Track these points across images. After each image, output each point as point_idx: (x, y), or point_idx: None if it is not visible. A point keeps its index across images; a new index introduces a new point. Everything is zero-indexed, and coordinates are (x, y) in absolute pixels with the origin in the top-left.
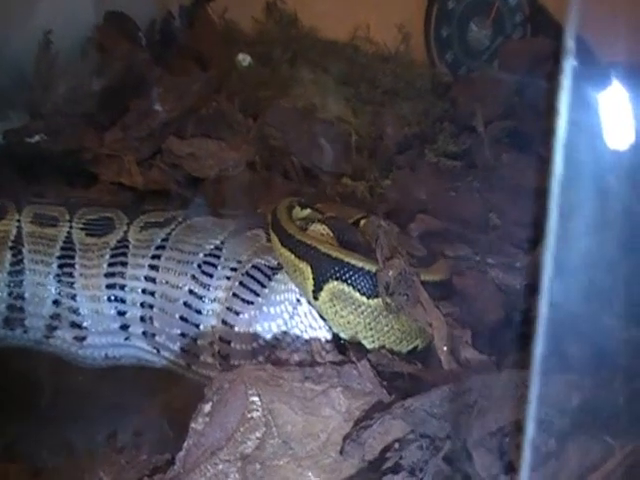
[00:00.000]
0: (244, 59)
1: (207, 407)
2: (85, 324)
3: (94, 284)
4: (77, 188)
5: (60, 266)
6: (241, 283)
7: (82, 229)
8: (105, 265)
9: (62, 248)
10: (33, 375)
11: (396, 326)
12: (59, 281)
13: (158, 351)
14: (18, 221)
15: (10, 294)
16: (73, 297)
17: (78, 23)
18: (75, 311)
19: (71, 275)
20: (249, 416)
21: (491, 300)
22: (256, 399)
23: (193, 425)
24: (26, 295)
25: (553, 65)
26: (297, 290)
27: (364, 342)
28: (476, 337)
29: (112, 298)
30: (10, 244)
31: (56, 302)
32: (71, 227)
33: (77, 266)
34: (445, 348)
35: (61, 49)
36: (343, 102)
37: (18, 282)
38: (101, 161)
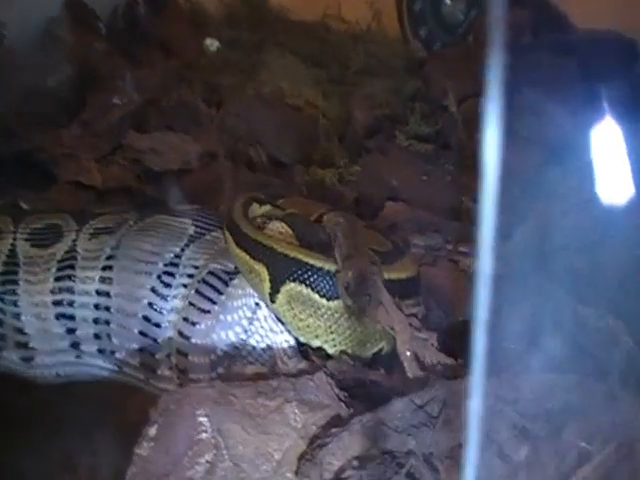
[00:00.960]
0: (212, 44)
1: (152, 430)
2: (32, 344)
3: (40, 301)
4: (34, 190)
5: (2, 283)
6: (197, 291)
7: (27, 240)
8: (52, 279)
9: (4, 263)
10: None
11: (359, 329)
12: (2, 299)
13: (119, 368)
14: None
15: None
16: (17, 316)
17: (35, 15)
18: (20, 331)
19: (14, 292)
20: (197, 438)
21: (462, 292)
22: (204, 420)
23: (138, 451)
24: None
25: (531, 38)
26: (256, 294)
27: (325, 346)
28: (445, 336)
29: (60, 315)
30: None
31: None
32: (15, 239)
33: (21, 282)
34: (408, 353)
35: (16, 42)
36: (312, 85)
37: None
38: (59, 161)
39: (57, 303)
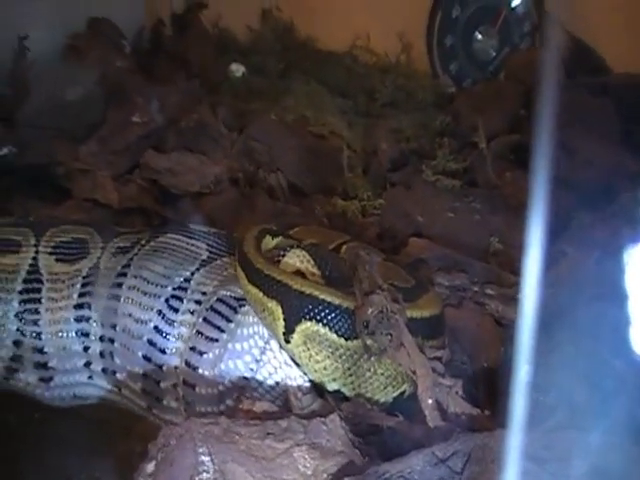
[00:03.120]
0: (237, 69)
1: (150, 467)
2: (51, 364)
3: (61, 318)
4: (48, 204)
5: (23, 302)
6: (205, 319)
7: (51, 254)
8: (76, 295)
9: (25, 281)
10: None
11: (379, 370)
12: (20, 319)
13: (119, 390)
14: None
15: None
16: (38, 335)
17: (59, 30)
18: (40, 350)
19: (36, 311)
20: (198, 478)
21: (489, 337)
22: (207, 459)
23: None
24: None
25: (567, 78)
26: None
27: (343, 389)
28: (469, 383)
29: (80, 332)
30: None
31: (17, 343)
32: (37, 252)
33: (44, 300)
34: (430, 401)
35: (39, 56)
36: (338, 115)
37: None
38: (74, 176)
39: (79, 319)
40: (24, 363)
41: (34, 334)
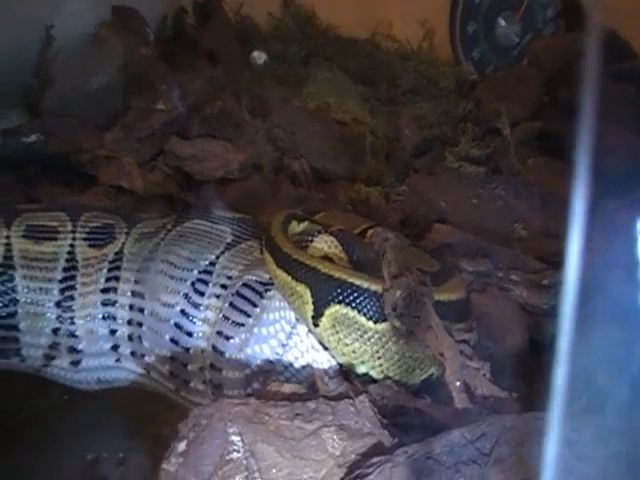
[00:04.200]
0: (259, 57)
1: (181, 446)
2: (80, 347)
3: (91, 302)
4: (74, 191)
5: (62, 290)
6: (231, 304)
7: (85, 239)
8: (103, 280)
9: (64, 269)
10: (19, 399)
11: (407, 353)
12: (59, 306)
13: (148, 372)
14: (7, 237)
15: (2, 326)
16: (71, 320)
17: (84, 18)
18: (72, 334)
19: (72, 298)
20: (228, 458)
21: (514, 323)
22: (237, 438)
23: (165, 466)
24: (21, 327)
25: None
26: None
27: (372, 372)
28: (496, 367)
29: (106, 316)
30: None
31: (56, 330)
32: (74, 239)
33: (78, 285)
34: (458, 383)
35: (64, 45)
36: (360, 102)
37: (10, 313)
38: (100, 163)
39: (105, 303)
40: (60, 349)
41: (69, 320)
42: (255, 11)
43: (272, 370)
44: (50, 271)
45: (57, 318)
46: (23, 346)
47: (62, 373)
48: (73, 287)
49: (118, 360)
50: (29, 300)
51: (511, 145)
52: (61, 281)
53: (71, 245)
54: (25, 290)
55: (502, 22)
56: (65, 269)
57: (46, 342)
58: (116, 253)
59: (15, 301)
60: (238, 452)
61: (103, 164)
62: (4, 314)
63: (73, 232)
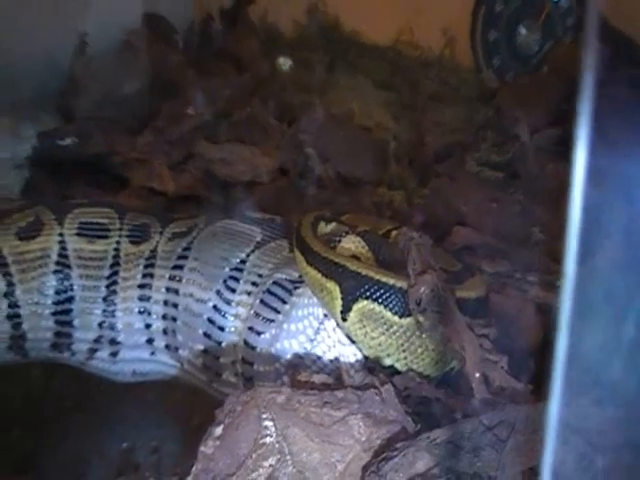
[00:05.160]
0: (284, 63)
1: (218, 430)
2: (119, 339)
3: (129, 296)
4: (107, 192)
5: (108, 286)
6: (262, 301)
7: (128, 237)
8: (139, 276)
9: (111, 265)
10: (59, 388)
11: (430, 347)
12: (105, 301)
13: (182, 365)
14: (60, 235)
15: (57, 322)
16: (113, 313)
17: (115, 26)
18: (113, 327)
19: (115, 292)
20: (262, 442)
21: (530, 321)
22: (270, 424)
23: (202, 449)
24: (75, 323)
25: (608, 72)
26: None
27: (397, 365)
28: (513, 362)
29: (142, 310)
30: (53, 267)
31: (101, 324)
32: (120, 236)
33: (120, 280)
34: (477, 375)
35: (97, 52)
36: (383, 108)
37: (67, 310)
38: (132, 165)
39: (141, 298)
40: (102, 342)
41: (112, 313)
42: (280, 18)
43: (301, 364)
44: (100, 269)
45: (103, 312)
46: (75, 341)
47: (101, 365)
48: (116, 282)
49: (153, 353)
50: (83, 297)
51: (530, 151)
52: (107, 277)
53: (117, 242)
54: (80, 288)
55: (522, 30)
56: (111, 265)
57: (92, 336)
58: (151, 251)
59: (71, 299)
60: (271, 437)
61: (135, 166)
62: (62, 311)
63: (120, 229)
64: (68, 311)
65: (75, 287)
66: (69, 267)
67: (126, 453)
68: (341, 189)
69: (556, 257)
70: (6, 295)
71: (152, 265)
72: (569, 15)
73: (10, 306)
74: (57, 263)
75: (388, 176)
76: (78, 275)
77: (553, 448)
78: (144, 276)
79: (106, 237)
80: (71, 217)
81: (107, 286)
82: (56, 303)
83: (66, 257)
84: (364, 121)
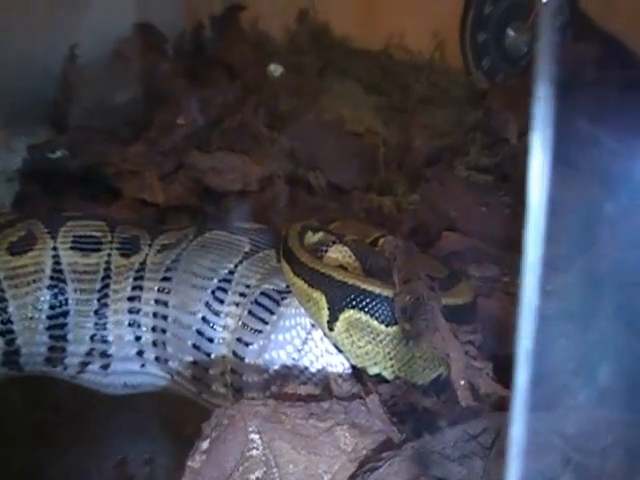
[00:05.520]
0: (276, 69)
1: (205, 444)
2: (110, 351)
3: (119, 308)
4: (100, 204)
5: (99, 299)
6: (250, 312)
7: (118, 249)
8: (129, 288)
9: (102, 278)
10: (52, 402)
11: (417, 354)
12: (97, 314)
13: (172, 377)
14: (54, 249)
15: (51, 336)
16: (104, 326)
17: (106, 35)
18: (105, 340)
19: (106, 305)
20: (248, 454)
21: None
22: (256, 436)
23: (190, 463)
24: (69, 337)
25: (597, 73)
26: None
27: (384, 373)
28: (500, 367)
29: (132, 322)
30: (48, 282)
31: (93, 337)
32: (111, 249)
33: (111, 293)
34: (462, 382)
35: (88, 61)
36: (373, 112)
37: (62, 325)
38: (124, 176)
39: (130, 311)
40: (94, 355)
41: (103, 326)
42: (271, 25)
43: (289, 374)
44: (93, 282)
45: (94, 325)
46: (68, 355)
47: (93, 378)
48: (107, 295)
49: (143, 365)
50: (77, 311)
51: (519, 153)
52: (99, 290)
53: (109, 255)
54: (75, 302)
55: (511, 32)
56: (102, 278)
57: (84, 349)
58: (140, 263)
59: (66, 313)
60: (257, 449)
61: (127, 178)
62: (56, 325)
63: (111, 242)
64: (63, 325)
65: (70, 301)
66: (64, 281)
67: (119, 465)
68: (331, 195)
69: (545, 261)
70: None
71: (141, 277)
72: (557, 18)
73: (3, 322)
74: (51, 278)
75: (377, 182)
76: (72, 289)
77: (522, 461)
78: (133, 288)
79: (98, 250)
80: (64, 231)
81: (99, 299)
82: (51, 318)
83: (60, 272)
84: (355, 126)
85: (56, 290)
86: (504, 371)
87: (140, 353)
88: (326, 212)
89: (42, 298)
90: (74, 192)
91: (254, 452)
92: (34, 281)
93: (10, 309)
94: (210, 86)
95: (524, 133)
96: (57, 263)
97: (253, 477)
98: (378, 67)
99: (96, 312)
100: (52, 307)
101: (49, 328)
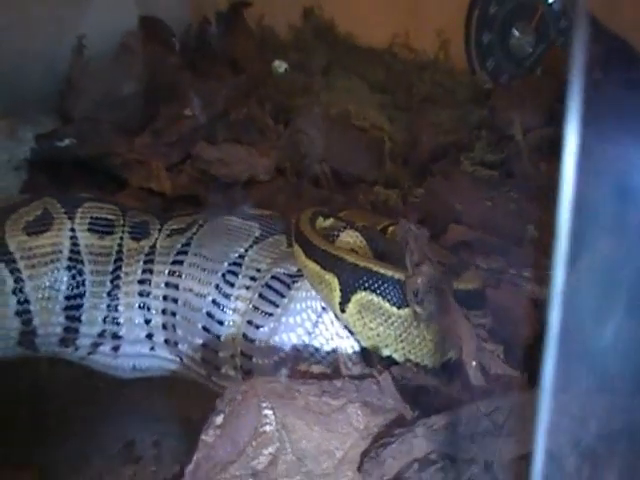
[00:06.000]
0: (280, 65)
1: (218, 419)
2: (121, 333)
3: (130, 291)
4: (106, 193)
5: (112, 280)
6: (260, 295)
7: (130, 233)
8: (139, 271)
9: (115, 260)
10: (58, 385)
11: (428, 337)
12: (110, 296)
13: (181, 359)
14: (72, 230)
15: (67, 317)
16: (116, 308)
17: (112, 28)
18: (116, 322)
19: (118, 287)
20: (262, 430)
21: (525, 315)
22: (269, 412)
23: (203, 437)
24: (83, 318)
25: (602, 73)
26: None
27: (395, 355)
28: (509, 353)
29: (142, 305)
30: (66, 263)
31: (105, 318)
32: (123, 232)
33: (122, 275)
34: (474, 363)
35: (94, 54)
36: (378, 109)
37: (78, 306)
38: (130, 166)
39: (141, 293)
40: (106, 336)
41: (115, 307)
42: (276, 21)
43: (299, 357)
44: (107, 264)
45: (107, 307)
46: (80, 336)
47: (103, 360)
48: (119, 277)
49: (152, 348)
50: (92, 292)
51: (524, 150)
52: (112, 272)
53: (121, 238)
54: (91, 284)
55: (516, 33)
56: (115, 260)
57: (97, 331)
58: (150, 247)
59: (83, 294)
60: (271, 425)
61: (133, 167)
62: (73, 307)
63: (123, 226)
64: (79, 306)
65: (87, 282)
66: (82, 262)
67: (127, 447)
68: (337, 188)
69: (550, 253)
70: (15, 292)
71: (151, 261)
72: (561, 18)
73: (19, 302)
74: (69, 259)
75: (384, 175)
76: (89, 271)
77: (545, 434)
78: (144, 272)
79: (112, 233)
80: (82, 212)
81: (111, 281)
82: (68, 298)
83: (78, 253)
84: (359, 122)
85: (74, 271)
86: (513, 356)
87: (150, 336)
88: (332, 204)
89: (60, 279)
90: (81, 181)
91: (267, 428)
92: (52, 261)
93: (27, 289)
94: (216, 80)
95: (528, 131)
96: (75, 245)
97: (266, 452)
98: (382, 65)
99: (109, 294)
100: (69, 288)
101: (66, 309)
